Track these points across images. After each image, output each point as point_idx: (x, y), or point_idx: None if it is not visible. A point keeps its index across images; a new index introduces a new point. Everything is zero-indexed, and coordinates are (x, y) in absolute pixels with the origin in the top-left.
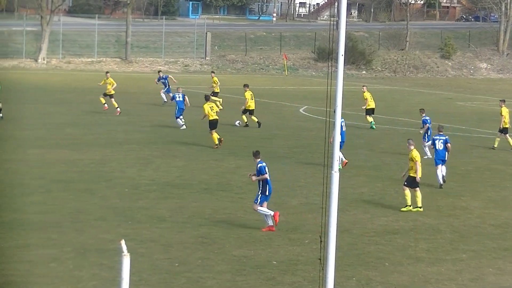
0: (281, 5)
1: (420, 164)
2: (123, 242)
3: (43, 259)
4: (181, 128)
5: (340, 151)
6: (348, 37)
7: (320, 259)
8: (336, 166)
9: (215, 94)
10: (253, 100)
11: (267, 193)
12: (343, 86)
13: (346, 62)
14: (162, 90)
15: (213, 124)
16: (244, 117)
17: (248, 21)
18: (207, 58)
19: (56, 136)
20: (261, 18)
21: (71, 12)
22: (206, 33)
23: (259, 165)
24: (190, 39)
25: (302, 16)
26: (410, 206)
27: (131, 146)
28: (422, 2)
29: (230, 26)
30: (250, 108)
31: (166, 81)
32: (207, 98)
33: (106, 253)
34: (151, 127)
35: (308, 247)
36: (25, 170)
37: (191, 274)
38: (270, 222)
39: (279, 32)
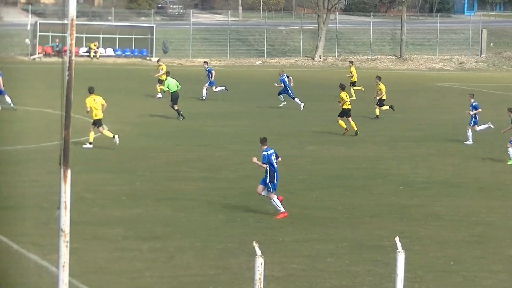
0: None
1: None
2: (397, 239)
3: (320, 253)
4: (282, 104)
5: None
6: None
7: None
8: None
9: (353, 83)
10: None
11: (274, 181)
12: None
13: None
14: (206, 85)
15: (344, 112)
16: (379, 109)
17: None
18: (482, 55)
19: (333, 133)
20: None
21: (346, 10)
22: (481, 30)
23: (263, 153)
24: (465, 36)
25: None
26: None
27: (407, 143)
28: None
29: (507, 22)
30: (383, 98)
31: (210, 74)
32: (342, 87)
33: (381, 249)
34: (427, 125)
35: None
36: (305, 166)
37: (466, 273)
38: (282, 209)
39: None
